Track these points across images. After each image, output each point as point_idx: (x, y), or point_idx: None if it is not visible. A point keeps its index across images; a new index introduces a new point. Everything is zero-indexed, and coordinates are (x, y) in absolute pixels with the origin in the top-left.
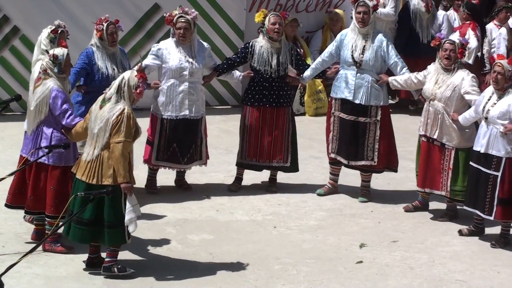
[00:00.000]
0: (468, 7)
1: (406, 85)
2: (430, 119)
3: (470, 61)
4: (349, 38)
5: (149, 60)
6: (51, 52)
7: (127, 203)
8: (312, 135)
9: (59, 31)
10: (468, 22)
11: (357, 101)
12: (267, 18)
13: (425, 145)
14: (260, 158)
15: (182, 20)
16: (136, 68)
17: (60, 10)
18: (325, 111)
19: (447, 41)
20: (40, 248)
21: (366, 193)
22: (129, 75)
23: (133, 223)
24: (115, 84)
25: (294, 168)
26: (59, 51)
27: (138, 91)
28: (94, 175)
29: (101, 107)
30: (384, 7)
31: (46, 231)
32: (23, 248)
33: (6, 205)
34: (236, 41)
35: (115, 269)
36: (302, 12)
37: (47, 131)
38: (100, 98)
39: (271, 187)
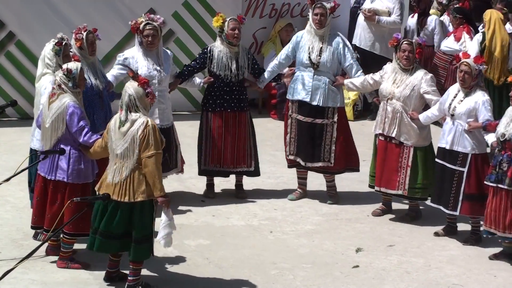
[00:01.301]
0: (458, 11)
1: (362, 87)
2: (388, 118)
3: None
4: (306, 40)
5: (115, 71)
6: (64, 66)
7: (164, 217)
8: None
9: (63, 44)
10: (462, 26)
11: (314, 103)
12: (226, 23)
13: (382, 144)
14: (224, 164)
15: (150, 27)
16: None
17: (56, 16)
18: None
19: (405, 42)
20: (37, 254)
21: (333, 195)
22: (134, 90)
23: (169, 238)
24: (123, 105)
25: (257, 172)
26: (73, 65)
27: (151, 97)
28: (125, 192)
29: (119, 127)
30: (390, 15)
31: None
32: (19, 253)
33: (32, 227)
34: None
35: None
36: (297, 17)
37: (65, 148)
38: (116, 117)
39: (240, 193)
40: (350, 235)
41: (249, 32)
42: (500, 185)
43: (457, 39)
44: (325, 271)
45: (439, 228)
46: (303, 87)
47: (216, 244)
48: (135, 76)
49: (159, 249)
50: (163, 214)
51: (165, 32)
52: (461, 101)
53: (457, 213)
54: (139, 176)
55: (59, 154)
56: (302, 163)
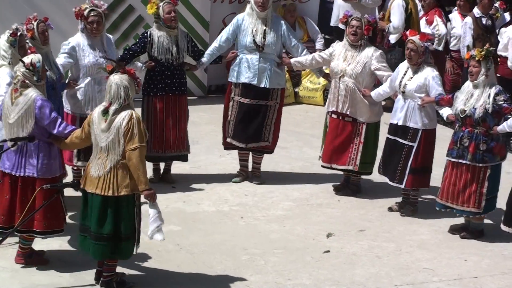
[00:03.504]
0: None
1: (309, 65)
2: (341, 95)
3: (440, 48)
4: (248, 23)
5: (61, 60)
6: (27, 60)
7: (152, 211)
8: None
9: (18, 34)
10: (434, 9)
11: (262, 85)
12: (160, 9)
13: (335, 121)
14: (166, 149)
15: (94, 14)
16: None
17: (30, 7)
18: (289, 101)
19: (354, 18)
20: (7, 241)
21: (258, 175)
22: (125, 81)
23: (160, 231)
24: (114, 98)
25: (187, 157)
26: (35, 58)
27: (138, 83)
28: (109, 186)
29: (105, 120)
30: None
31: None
32: None
33: None
34: (201, 33)
35: (114, 284)
36: None
37: (33, 144)
38: (99, 110)
39: (169, 177)
40: (321, 220)
41: (219, 18)
42: (461, 160)
43: (429, 23)
44: (296, 256)
45: (410, 214)
46: (249, 69)
47: (187, 230)
48: (119, 65)
49: None
50: (150, 209)
51: (134, 18)
52: (411, 78)
53: (402, 186)
54: (123, 170)
55: (28, 141)
56: (242, 145)
